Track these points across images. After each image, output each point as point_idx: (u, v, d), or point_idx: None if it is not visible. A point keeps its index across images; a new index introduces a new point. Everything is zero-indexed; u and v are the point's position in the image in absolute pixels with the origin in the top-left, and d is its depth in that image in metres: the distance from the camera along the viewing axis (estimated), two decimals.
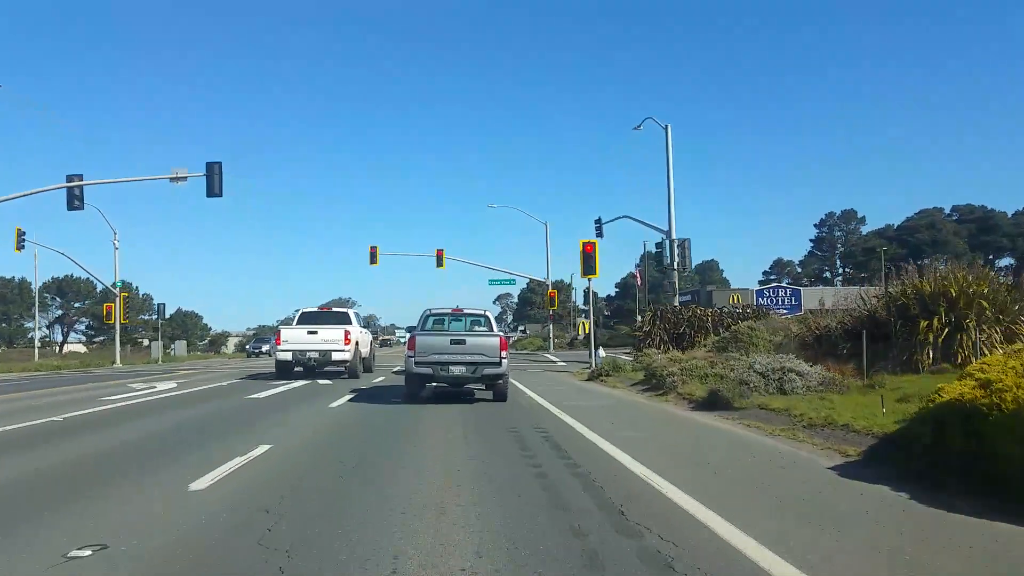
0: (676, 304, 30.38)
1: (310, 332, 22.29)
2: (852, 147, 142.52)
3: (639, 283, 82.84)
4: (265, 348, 56.49)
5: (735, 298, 38.63)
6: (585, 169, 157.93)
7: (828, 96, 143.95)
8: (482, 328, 16.51)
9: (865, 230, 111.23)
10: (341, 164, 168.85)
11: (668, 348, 25.77)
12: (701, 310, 27.45)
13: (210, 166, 30.08)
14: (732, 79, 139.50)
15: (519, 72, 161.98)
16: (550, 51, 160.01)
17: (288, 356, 22.19)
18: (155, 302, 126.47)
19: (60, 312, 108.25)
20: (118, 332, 58.17)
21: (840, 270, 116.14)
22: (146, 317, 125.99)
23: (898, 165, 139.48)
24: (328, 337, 22.20)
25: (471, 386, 15.61)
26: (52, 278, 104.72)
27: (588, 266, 27.17)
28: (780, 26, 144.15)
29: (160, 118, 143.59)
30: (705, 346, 23.81)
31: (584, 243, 27.54)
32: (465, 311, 16.98)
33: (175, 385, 21.13)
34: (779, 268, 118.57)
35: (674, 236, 31.41)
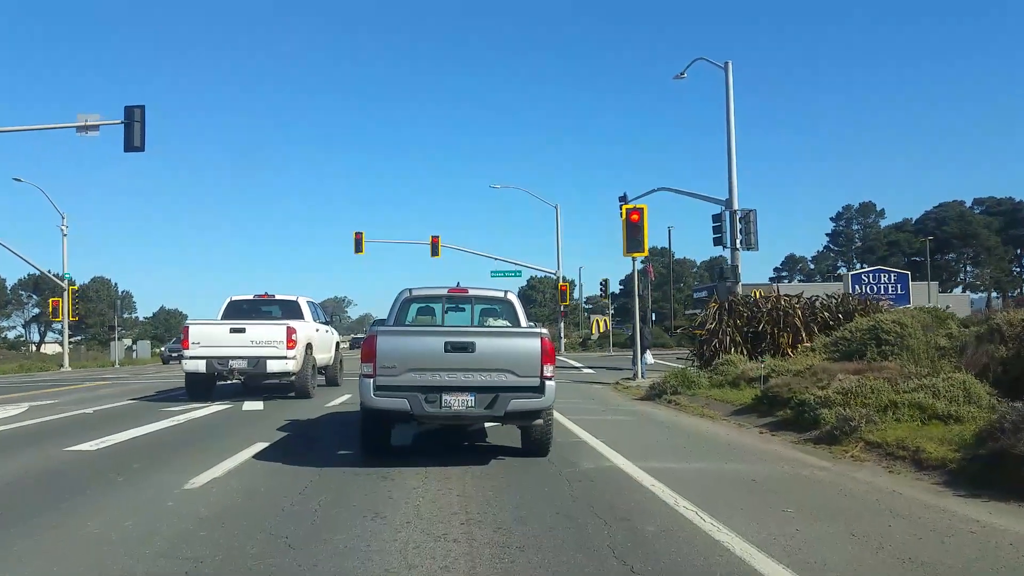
0: (745, 294, 23.11)
1: (235, 330, 14.82)
2: (863, 142, 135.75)
3: (652, 277, 75.93)
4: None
5: (758, 293, 32.08)
6: (599, 148, 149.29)
7: (833, 92, 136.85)
8: (502, 322, 9.30)
9: (884, 224, 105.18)
10: (333, 154, 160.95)
11: (742, 351, 18.64)
12: (786, 300, 20.12)
13: (129, 111, 22.83)
14: (737, 75, 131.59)
15: (521, 40, 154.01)
16: (555, 15, 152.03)
17: (200, 366, 14.72)
18: (134, 300, 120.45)
19: (37, 311, 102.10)
20: (66, 330, 51.34)
21: (858, 265, 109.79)
22: (126, 315, 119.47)
23: (910, 159, 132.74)
24: (262, 337, 14.75)
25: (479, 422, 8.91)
26: (28, 275, 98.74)
27: (634, 240, 19.98)
28: (783, 22, 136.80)
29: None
30: (812, 349, 16.57)
31: (629, 209, 20.34)
32: (471, 292, 9.54)
33: (24, 410, 13.84)
34: (791, 264, 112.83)
35: (736, 207, 24.13)
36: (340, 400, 14.80)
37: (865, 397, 9.87)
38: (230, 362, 14.67)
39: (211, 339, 14.78)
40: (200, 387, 15.20)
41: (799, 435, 9.73)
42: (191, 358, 14.78)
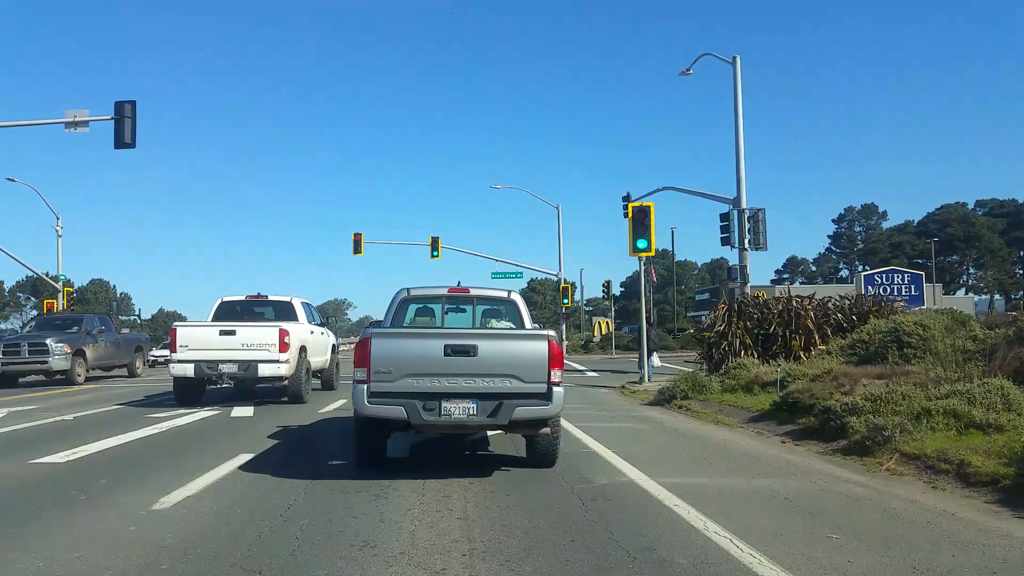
0: (754, 295, 22.39)
1: (224, 332, 14.11)
2: (864, 144, 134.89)
3: (654, 279, 75.18)
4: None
5: (763, 295, 31.47)
6: (601, 148, 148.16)
7: (834, 93, 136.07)
8: (506, 324, 8.76)
9: (886, 225, 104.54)
10: (333, 155, 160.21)
11: (753, 354, 17.96)
12: (798, 301, 19.40)
13: (120, 107, 22.14)
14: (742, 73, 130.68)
15: (522, 39, 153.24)
16: (555, 14, 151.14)
17: (189, 369, 13.94)
18: (134, 302, 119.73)
19: (35, 313, 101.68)
20: None
21: (860, 268, 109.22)
22: (124, 317, 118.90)
23: (911, 160, 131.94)
24: (253, 339, 14.04)
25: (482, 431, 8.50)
26: (26, 277, 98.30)
27: (641, 239, 19.31)
28: (783, 24, 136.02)
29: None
30: (828, 352, 15.91)
31: (635, 206, 19.69)
32: (473, 292, 8.98)
33: (1, 416, 13.14)
34: (792, 266, 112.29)
35: (744, 205, 23.41)
36: (335, 405, 14.12)
37: (896, 404, 9.20)
38: (220, 366, 13.93)
39: (200, 342, 14.06)
40: (189, 392, 14.55)
41: (825, 445, 9.06)
42: (179, 362, 14.01)
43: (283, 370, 14.18)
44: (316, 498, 6.18)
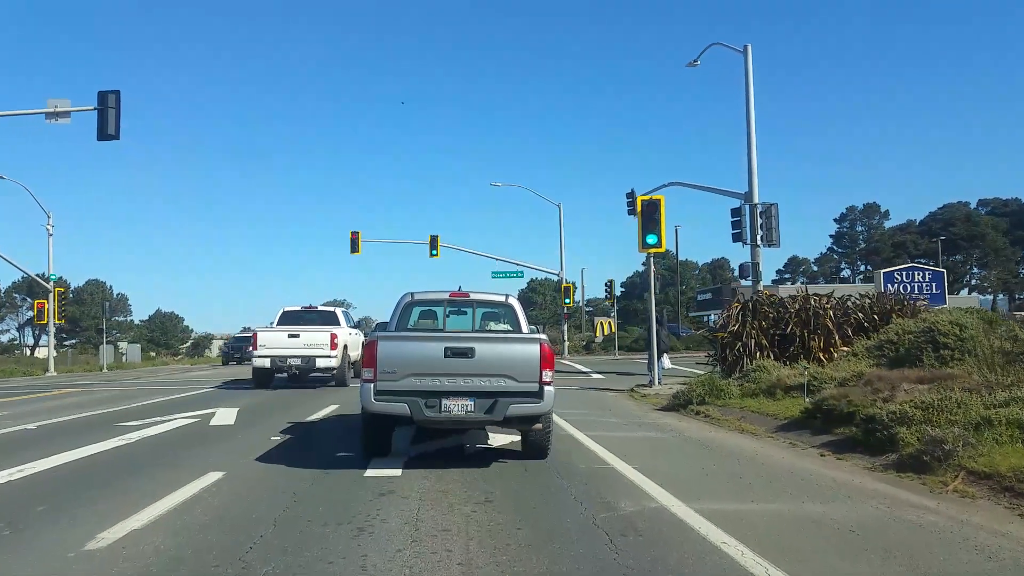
0: (770, 293, 21.32)
1: (291, 335, 19.10)
2: (866, 143, 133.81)
3: (658, 279, 74.10)
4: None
5: (765, 294, 30.58)
6: (601, 146, 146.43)
7: (835, 93, 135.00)
8: (503, 326, 9.27)
9: (888, 225, 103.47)
10: (333, 153, 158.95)
11: (768, 356, 16.93)
12: (816, 300, 18.34)
13: (103, 96, 21.20)
14: (738, 74, 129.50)
15: (522, 30, 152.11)
16: (554, 10, 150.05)
17: (267, 362, 19.18)
18: (130, 303, 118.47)
19: (31, 314, 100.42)
20: (51, 334, 49.50)
21: (862, 268, 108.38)
22: (121, 319, 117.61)
23: (913, 160, 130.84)
24: (312, 340, 19.03)
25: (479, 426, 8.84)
26: (22, 278, 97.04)
27: (650, 233, 18.28)
28: (784, 22, 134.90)
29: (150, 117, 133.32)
30: (854, 354, 14.87)
31: (645, 200, 18.68)
32: (473, 296, 9.60)
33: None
34: (794, 266, 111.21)
35: (756, 200, 22.38)
36: (327, 411, 13.25)
37: (951, 413, 8.18)
38: (288, 360, 18.83)
39: (274, 342, 18.97)
40: (264, 379, 19.39)
41: (872, 459, 8.02)
42: (259, 357, 19.04)
43: (333, 363, 18.99)
44: (286, 535, 5.11)
